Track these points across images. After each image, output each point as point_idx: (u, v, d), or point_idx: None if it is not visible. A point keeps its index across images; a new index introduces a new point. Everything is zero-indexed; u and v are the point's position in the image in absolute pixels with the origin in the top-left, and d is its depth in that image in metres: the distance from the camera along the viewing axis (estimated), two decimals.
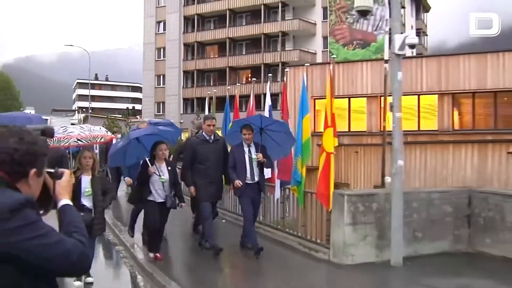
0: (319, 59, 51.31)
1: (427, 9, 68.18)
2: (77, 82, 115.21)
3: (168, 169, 8.29)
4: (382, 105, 24.31)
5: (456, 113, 23.68)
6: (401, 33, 8.21)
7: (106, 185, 7.64)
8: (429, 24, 69.01)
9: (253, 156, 8.73)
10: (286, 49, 52.89)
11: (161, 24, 59.89)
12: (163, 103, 58.12)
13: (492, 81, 22.18)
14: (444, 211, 8.95)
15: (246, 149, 8.80)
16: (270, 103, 12.64)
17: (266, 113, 12.22)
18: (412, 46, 8.18)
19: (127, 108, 72.75)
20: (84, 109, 70.51)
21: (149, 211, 8.32)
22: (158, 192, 8.19)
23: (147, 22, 60.75)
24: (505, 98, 22.41)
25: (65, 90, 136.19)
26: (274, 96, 32.60)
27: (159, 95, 58.44)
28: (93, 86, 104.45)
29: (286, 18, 53.07)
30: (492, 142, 14.53)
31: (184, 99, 56.81)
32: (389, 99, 23.19)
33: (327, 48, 49.95)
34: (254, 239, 8.87)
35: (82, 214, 6.47)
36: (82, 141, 9.44)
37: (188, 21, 58.33)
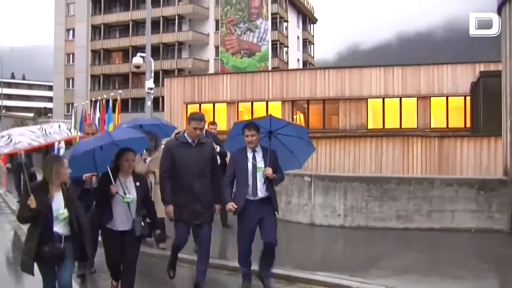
0: (211, 66, 55.27)
1: (313, 21, 73.32)
2: None
3: (136, 185, 5.73)
4: (240, 110, 28.77)
5: (295, 116, 28.33)
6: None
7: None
8: (318, 33, 74.35)
9: (259, 164, 6.25)
10: (182, 57, 56.48)
11: (71, 31, 61.56)
12: (72, 104, 59.96)
13: (320, 92, 26.98)
14: None
15: (249, 154, 6.30)
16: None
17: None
18: (150, 89, 12.33)
19: (40, 108, 73.49)
20: None
21: (108, 243, 5.80)
22: (121, 217, 5.64)
23: (57, 29, 62.10)
24: (337, 105, 27.22)
25: None
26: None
27: (69, 96, 60.18)
28: (9, 85, 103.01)
29: (182, 29, 56.64)
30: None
31: (91, 101, 58.86)
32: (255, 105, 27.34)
33: (218, 57, 54.25)
34: (247, 270, 6.44)
35: (46, 249, 4.77)
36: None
37: (95, 29, 60.33)
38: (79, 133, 6.22)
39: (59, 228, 4.85)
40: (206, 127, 8.29)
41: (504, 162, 9.99)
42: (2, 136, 4.95)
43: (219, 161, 7.35)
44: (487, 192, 9.48)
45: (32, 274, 4.90)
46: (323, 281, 6.53)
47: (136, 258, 5.77)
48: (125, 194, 5.57)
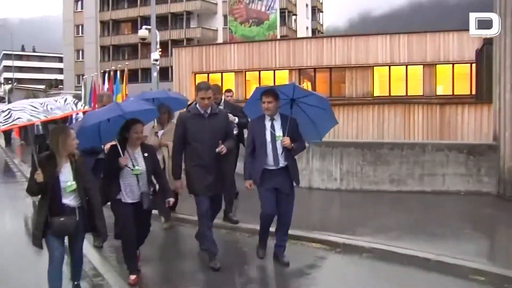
0: (220, 35, 55.41)
1: None
2: (3, 54, 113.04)
3: (144, 156, 5.68)
4: (247, 79, 29.16)
5: (303, 85, 28.67)
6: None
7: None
8: (327, 0, 73.69)
9: (277, 133, 6.09)
10: (191, 26, 56.69)
11: (79, 2, 61.95)
12: (83, 75, 60.59)
13: (327, 60, 27.29)
14: None
15: (267, 123, 6.17)
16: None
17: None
18: (156, 60, 12.78)
19: (50, 80, 74.12)
20: (10, 81, 71.22)
21: (119, 215, 5.76)
22: (131, 189, 5.60)
23: (66, 0, 62.67)
24: (344, 73, 27.55)
25: None
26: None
27: (79, 68, 60.84)
28: (20, 57, 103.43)
29: None
30: None
31: (102, 72, 59.47)
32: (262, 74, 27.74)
33: (227, 26, 54.23)
34: (263, 245, 6.60)
35: (62, 219, 4.80)
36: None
37: (104, 0, 60.79)
38: (86, 107, 6.11)
39: (70, 200, 4.87)
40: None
41: (494, 128, 10.41)
42: (3, 111, 4.83)
43: (236, 131, 7.63)
44: (476, 156, 9.95)
45: (41, 247, 4.91)
46: (312, 237, 7.12)
47: (148, 229, 5.90)
48: (133, 166, 5.54)
